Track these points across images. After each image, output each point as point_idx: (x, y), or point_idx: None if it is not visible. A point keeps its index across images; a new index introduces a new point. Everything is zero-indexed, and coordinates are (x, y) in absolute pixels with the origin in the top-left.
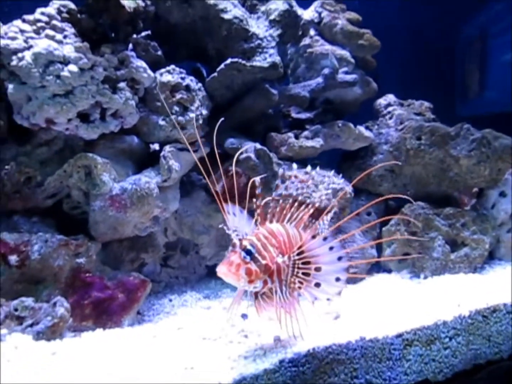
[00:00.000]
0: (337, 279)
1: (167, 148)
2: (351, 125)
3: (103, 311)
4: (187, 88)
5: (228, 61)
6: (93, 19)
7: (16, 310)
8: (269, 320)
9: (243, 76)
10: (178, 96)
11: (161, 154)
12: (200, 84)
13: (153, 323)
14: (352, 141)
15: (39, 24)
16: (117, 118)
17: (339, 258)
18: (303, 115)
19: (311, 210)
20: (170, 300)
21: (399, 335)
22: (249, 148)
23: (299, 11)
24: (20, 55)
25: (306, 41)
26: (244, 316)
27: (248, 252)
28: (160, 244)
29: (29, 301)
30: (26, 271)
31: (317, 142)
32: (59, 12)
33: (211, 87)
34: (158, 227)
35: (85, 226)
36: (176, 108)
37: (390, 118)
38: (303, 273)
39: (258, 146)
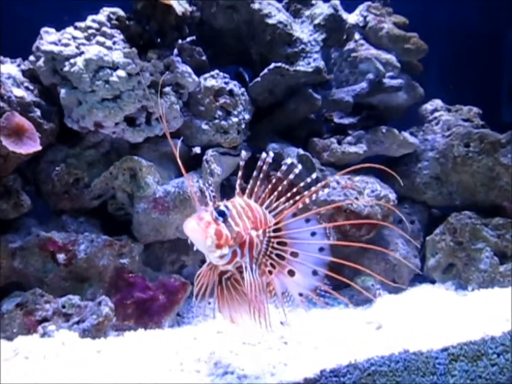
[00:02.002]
0: (314, 273)
1: (210, 152)
2: (395, 130)
3: (145, 311)
4: (231, 93)
5: (272, 65)
6: (141, 25)
7: (63, 307)
8: (230, 320)
9: (286, 81)
10: (221, 100)
11: (204, 158)
12: (243, 89)
13: (193, 325)
14: (396, 147)
15: (90, 31)
16: (162, 121)
17: (321, 249)
18: (346, 120)
19: (295, 206)
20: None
21: (445, 349)
22: (291, 153)
23: (344, 15)
24: (72, 61)
25: (350, 45)
26: (283, 322)
27: (221, 213)
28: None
29: (75, 299)
30: (72, 269)
31: (360, 148)
32: (109, 19)
33: (254, 91)
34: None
35: (128, 227)
36: (219, 112)
37: (437, 124)
38: (277, 255)
39: (301, 151)
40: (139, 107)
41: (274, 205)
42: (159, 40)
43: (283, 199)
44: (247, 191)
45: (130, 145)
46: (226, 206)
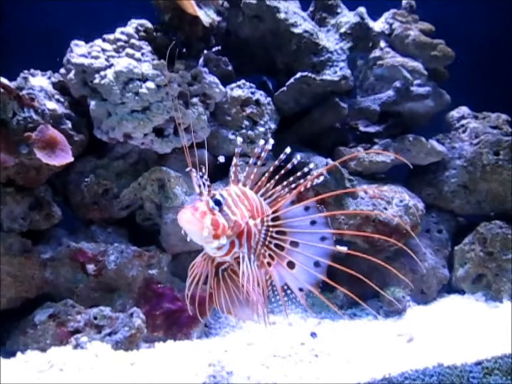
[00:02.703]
0: (316, 264)
1: (236, 162)
2: (423, 139)
3: (174, 323)
4: (257, 103)
5: (298, 75)
6: (167, 36)
7: (95, 318)
8: (227, 312)
9: (312, 90)
10: (248, 110)
11: (230, 168)
12: (269, 99)
13: (221, 337)
14: (424, 155)
15: (119, 43)
16: (190, 132)
17: (323, 238)
18: (372, 129)
19: (293, 194)
20: (235, 315)
21: (479, 363)
22: (319, 163)
23: (371, 23)
24: (102, 73)
25: (376, 53)
26: (313, 334)
27: (217, 202)
28: None
29: (107, 310)
30: (102, 280)
31: (388, 157)
32: (137, 31)
33: (280, 100)
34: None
35: (155, 237)
36: (246, 122)
37: (464, 131)
38: (276, 245)
39: (329, 161)
40: (167, 118)
41: (270, 193)
42: (185, 50)
43: (279, 187)
44: (242, 178)
45: (157, 156)
46: (222, 195)
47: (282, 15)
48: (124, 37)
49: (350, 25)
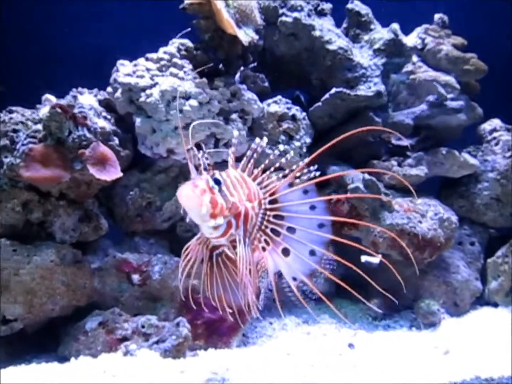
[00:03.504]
0: (312, 253)
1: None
2: (456, 152)
3: (214, 332)
4: (293, 118)
5: (333, 90)
6: (207, 54)
7: (143, 327)
8: (217, 299)
9: (347, 105)
10: (284, 125)
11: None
12: (304, 113)
13: (259, 346)
14: (457, 168)
15: (162, 62)
16: (228, 147)
17: (320, 226)
18: (404, 142)
19: (290, 177)
20: (271, 323)
21: None
22: (355, 177)
23: (404, 39)
24: (148, 92)
25: (408, 67)
26: (351, 345)
27: (217, 181)
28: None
29: (153, 319)
30: (146, 289)
31: (421, 170)
32: (179, 50)
33: (315, 115)
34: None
35: None
36: (282, 137)
37: (496, 144)
38: (272, 231)
39: (366, 176)
40: (208, 133)
41: (266, 183)
42: (220, 65)
43: (274, 178)
44: (240, 166)
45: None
46: (221, 175)
47: (317, 33)
48: (167, 56)
49: (384, 41)
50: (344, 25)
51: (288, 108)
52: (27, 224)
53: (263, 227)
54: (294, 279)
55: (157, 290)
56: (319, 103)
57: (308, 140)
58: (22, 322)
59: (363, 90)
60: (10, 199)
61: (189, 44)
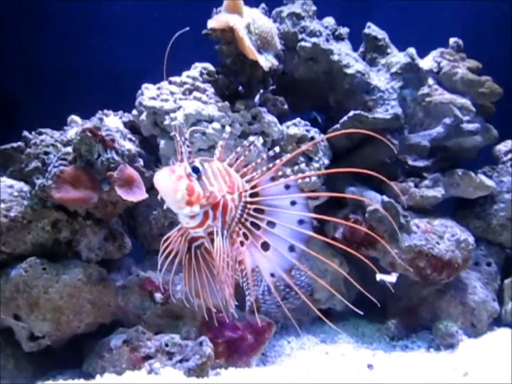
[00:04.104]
0: (291, 248)
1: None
2: (472, 173)
3: (235, 351)
4: (312, 140)
5: (351, 113)
6: (228, 78)
7: (166, 345)
8: (194, 293)
9: (365, 127)
10: (303, 147)
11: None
12: (322, 135)
13: (278, 365)
14: (473, 189)
15: (185, 86)
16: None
17: (300, 222)
18: (421, 163)
19: (273, 170)
20: (289, 342)
21: None
22: (374, 199)
23: (420, 62)
24: (172, 115)
25: (424, 90)
26: (370, 366)
27: (195, 169)
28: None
29: (177, 338)
30: (168, 307)
31: (438, 192)
32: (201, 74)
33: (333, 137)
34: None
35: None
36: (301, 158)
37: None
38: (252, 224)
39: (385, 198)
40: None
41: (249, 176)
42: (240, 87)
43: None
44: (227, 160)
45: None
46: (202, 164)
47: (335, 57)
48: (190, 80)
49: (401, 65)
50: (361, 49)
51: (307, 130)
52: (55, 242)
53: (242, 220)
54: (272, 275)
55: (179, 309)
56: (337, 125)
57: (326, 161)
58: (50, 339)
59: (381, 112)
60: (40, 219)
61: (211, 68)
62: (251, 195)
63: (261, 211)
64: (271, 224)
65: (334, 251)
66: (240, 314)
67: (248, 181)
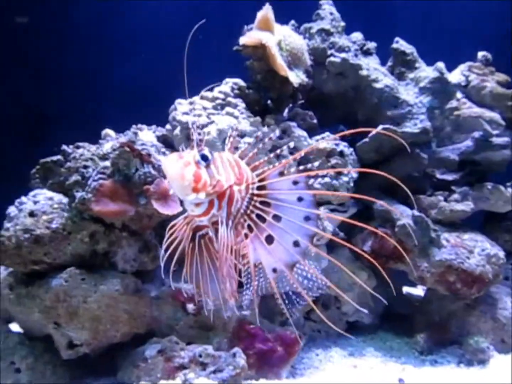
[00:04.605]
0: (295, 243)
1: (322, 209)
2: (502, 187)
3: (265, 362)
4: (341, 154)
5: (380, 127)
6: (259, 93)
7: (200, 356)
8: (195, 284)
9: (393, 141)
10: (333, 161)
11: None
12: (351, 149)
13: (307, 377)
14: (502, 203)
15: (217, 101)
16: None
17: (306, 218)
18: (449, 176)
19: (282, 164)
20: (317, 355)
21: None
22: (403, 213)
23: (449, 77)
24: (205, 130)
25: (452, 103)
26: (401, 380)
27: (204, 157)
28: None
29: (210, 349)
30: (200, 319)
31: (468, 206)
32: (232, 89)
33: (362, 151)
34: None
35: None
36: (330, 172)
37: None
38: (257, 216)
39: (416, 212)
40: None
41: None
42: (272, 105)
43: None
44: (239, 152)
45: None
46: (211, 153)
47: (364, 72)
48: (221, 95)
49: (430, 79)
50: (389, 63)
51: (336, 144)
52: (93, 253)
53: (248, 212)
54: (274, 270)
55: (210, 320)
56: (366, 139)
57: (355, 175)
58: (87, 347)
59: (410, 127)
60: (79, 231)
61: (242, 83)
62: (259, 188)
63: (267, 205)
64: (276, 218)
65: (361, 264)
66: (270, 326)
67: (258, 175)
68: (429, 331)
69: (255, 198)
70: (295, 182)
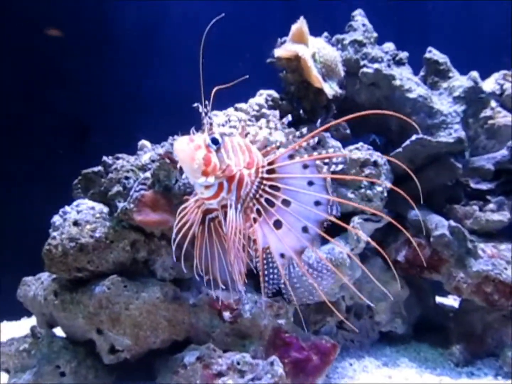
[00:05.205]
0: (304, 229)
1: (356, 219)
2: None
3: (301, 371)
4: (375, 164)
5: (414, 137)
6: (292, 104)
7: (238, 363)
8: (203, 267)
9: (427, 151)
10: (366, 171)
11: (351, 225)
12: (385, 159)
13: None
14: None
15: (252, 113)
16: None
17: (317, 203)
18: (484, 186)
19: (292, 148)
20: (351, 365)
21: None
22: (439, 223)
23: (484, 86)
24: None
25: (487, 112)
26: None
27: (214, 141)
28: (343, 309)
29: (248, 357)
30: (236, 327)
31: (504, 216)
32: (266, 100)
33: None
34: (345, 292)
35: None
36: (364, 182)
37: None
38: (266, 201)
39: (452, 223)
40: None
41: (272, 158)
42: (305, 116)
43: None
44: (249, 136)
45: None
46: (222, 137)
47: (397, 82)
48: (256, 107)
49: (464, 89)
50: (422, 73)
51: (370, 155)
52: (133, 262)
53: (257, 196)
54: (282, 256)
55: (246, 328)
56: (400, 149)
57: (389, 185)
58: (129, 353)
59: (444, 136)
60: (121, 239)
61: (275, 95)
62: (268, 172)
63: (277, 189)
64: (286, 202)
65: (394, 273)
66: (305, 335)
67: (268, 159)
68: (465, 342)
69: (264, 182)
70: (305, 166)
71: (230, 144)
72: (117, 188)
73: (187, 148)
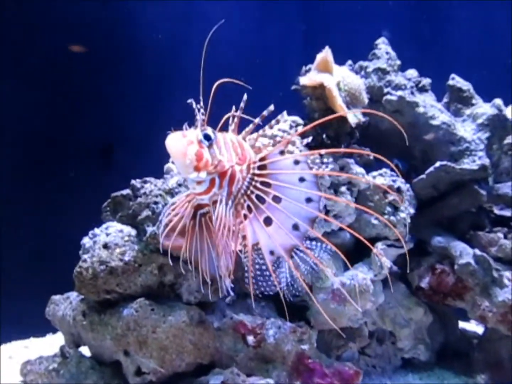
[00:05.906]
0: (295, 227)
1: (379, 245)
2: None
3: None
4: (398, 190)
5: (437, 164)
6: (316, 130)
7: None
8: (194, 262)
9: (451, 177)
10: (390, 197)
11: (374, 251)
12: (408, 185)
13: None
14: None
15: (277, 138)
16: (337, 218)
17: (308, 200)
18: (508, 212)
19: (283, 143)
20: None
21: None
22: (464, 251)
23: (508, 113)
24: None
25: (510, 139)
26: None
27: (207, 137)
28: (366, 335)
29: (271, 382)
30: (260, 351)
31: None
32: (291, 126)
33: (418, 187)
34: (367, 318)
35: (302, 313)
36: (388, 208)
37: None
38: (257, 197)
39: (477, 252)
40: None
41: (263, 154)
42: (329, 142)
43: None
44: (243, 133)
45: None
46: (215, 133)
47: (421, 109)
48: (280, 133)
49: (488, 116)
50: (445, 99)
51: (393, 181)
52: (160, 285)
53: (248, 192)
54: (272, 253)
55: (270, 353)
56: (423, 176)
57: (412, 211)
58: (154, 375)
59: (468, 163)
60: (149, 263)
61: (300, 121)
62: (260, 168)
63: (268, 185)
64: (277, 199)
65: (418, 299)
66: (328, 361)
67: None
68: (489, 371)
69: (255, 178)
70: (296, 162)
71: (222, 140)
72: (146, 212)
73: (180, 144)
